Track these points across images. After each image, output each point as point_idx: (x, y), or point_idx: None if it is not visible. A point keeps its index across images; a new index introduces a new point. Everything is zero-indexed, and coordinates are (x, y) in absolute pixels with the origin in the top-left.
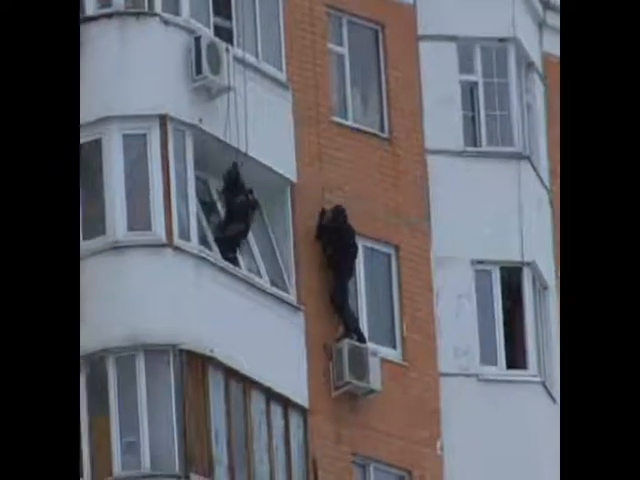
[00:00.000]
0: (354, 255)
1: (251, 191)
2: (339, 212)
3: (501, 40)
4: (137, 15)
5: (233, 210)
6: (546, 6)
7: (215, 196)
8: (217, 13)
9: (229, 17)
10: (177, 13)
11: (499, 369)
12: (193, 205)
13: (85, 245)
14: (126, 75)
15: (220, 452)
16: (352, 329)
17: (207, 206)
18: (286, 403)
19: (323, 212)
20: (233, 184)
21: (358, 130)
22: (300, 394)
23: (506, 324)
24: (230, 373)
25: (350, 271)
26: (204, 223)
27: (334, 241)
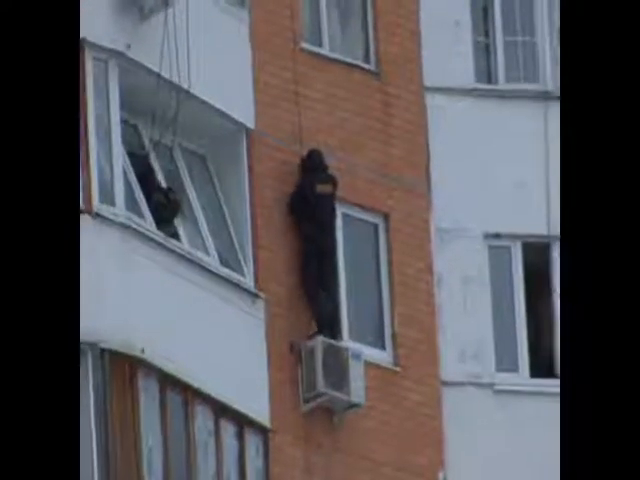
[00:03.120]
0: (332, 221)
1: (169, 190)
2: (315, 157)
3: None
4: None
5: (152, 210)
6: None
7: (148, 146)
8: None
9: None
10: None
11: (520, 377)
12: (119, 158)
13: None
14: None
15: None
16: (325, 323)
17: (137, 159)
18: (241, 420)
19: (303, 163)
20: (143, 176)
21: (336, 61)
22: (259, 409)
23: (530, 318)
24: (167, 380)
25: (328, 245)
26: (133, 182)
27: (307, 204)
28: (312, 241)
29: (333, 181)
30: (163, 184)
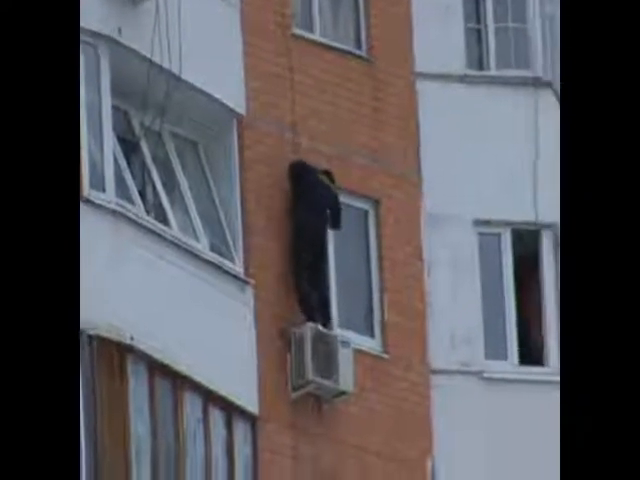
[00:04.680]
0: (327, 209)
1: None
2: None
3: None
4: None
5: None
6: None
7: (138, 132)
8: None
9: None
10: None
11: (510, 365)
12: (109, 144)
13: None
14: None
15: (142, 470)
16: (316, 312)
17: (128, 145)
18: (229, 407)
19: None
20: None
21: (327, 46)
22: (248, 396)
23: (519, 305)
24: (156, 367)
25: (322, 232)
26: (124, 168)
27: (305, 183)
28: (306, 226)
29: (330, 176)
30: (153, 170)
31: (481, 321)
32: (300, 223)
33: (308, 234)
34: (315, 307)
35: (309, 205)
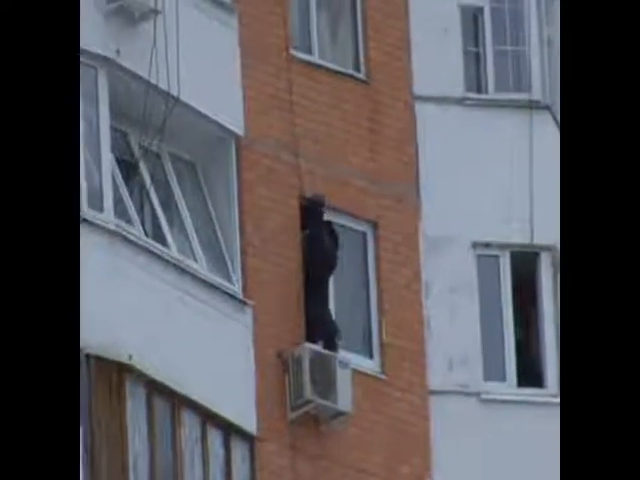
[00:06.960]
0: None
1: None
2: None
3: None
4: None
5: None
6: None
7: (137, 153)
8: None
9: None
10: None
11: (508, 386)
12: (108, 164)
13: None
14: None
15: None
16: (328, 335)
17: (127, 166)
18: (228, 428)
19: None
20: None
21: (325, 69)
22: (246, 416)
23: (518, 327)
24: (154, 387)
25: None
26: (122, 189)
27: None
28: (322, 248)
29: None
30: (152, 191)
31: (479, 342)
32: (315, 245)
33: (322, 256)
34: (324, 329)
35: (322, 228)
